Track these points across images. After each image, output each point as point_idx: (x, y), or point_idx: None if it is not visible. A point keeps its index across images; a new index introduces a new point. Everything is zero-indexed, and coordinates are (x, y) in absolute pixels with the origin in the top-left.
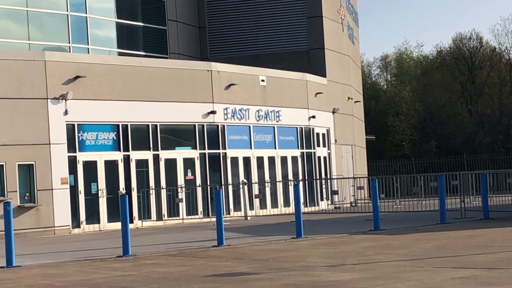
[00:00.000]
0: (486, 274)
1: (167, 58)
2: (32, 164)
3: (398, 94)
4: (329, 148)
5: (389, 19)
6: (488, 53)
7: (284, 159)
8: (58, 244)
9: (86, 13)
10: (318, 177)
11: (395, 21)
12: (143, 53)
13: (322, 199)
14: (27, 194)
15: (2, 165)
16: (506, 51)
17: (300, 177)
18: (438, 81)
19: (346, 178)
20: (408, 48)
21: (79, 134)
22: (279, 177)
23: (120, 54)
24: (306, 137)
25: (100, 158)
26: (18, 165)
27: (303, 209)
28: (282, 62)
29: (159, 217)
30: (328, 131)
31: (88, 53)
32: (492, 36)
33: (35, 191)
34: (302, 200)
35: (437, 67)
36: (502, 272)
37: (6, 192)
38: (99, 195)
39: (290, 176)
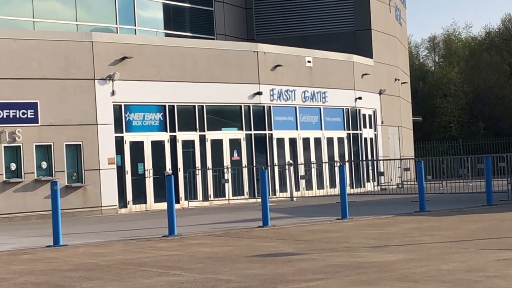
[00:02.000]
0: None
1: (213, 39)
2: (80, 144)
3: (446, 75)
4: (375, 130)
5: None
6: None
7: (330, 140)
8: (105, 224)
9: None
10: (364, 158)
11: (443, 2)
12: (190, 34)
13: (368, 181)
14: (75, 174)
15: (50, 145)
16: None
17: (346, 158)
18: (487, 63)
19: (393, 159)
20: (456, 29)
21: (126, 115)
22: (325, 158)
23: (166, 35)
24: (353, 118)
25: (147, 138)
26: (66, 145)
27: (348, 190)
28: (328, 43)
29: (205, 197)
30: (374, 112)
31: (135, 34)
32: None
33: (83, 171)
34: (348, 182)
35: (486, 48)
36: None
37: (54, 172)
38: (146, 176)
39: (336, 157)
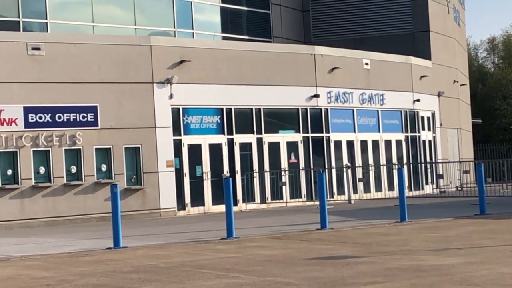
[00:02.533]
0: None
1: (270, 42)
2: (139, 147)
3: (505, 77)
4: (434, 132)
5: (496, 1)
6: None
7: (388, 143)
8: (164, 226)
9: None
10: (423, 161)
11: (502, 3)
12: (247, 37)
13: (427, 183)
14: (134, 176)
15: (110, 148)
16: None
17: (405, 161)
18: None
19: (452, 162)
20: None
21: (184, 118)
22: (383, 160)
23: (224, 38)
24: (411, 121)
25: (205, 141)
26: (125, 148)
27: (407, 193)
28: (386, 45)
29: (263, 200)
30: (433, 114)
31: (193, 37)
32: None
33: (141, 173)
34: (406, 184)
35: None
36: None
37: (113, 175)
38: (204, 178)
39: (394, 160)
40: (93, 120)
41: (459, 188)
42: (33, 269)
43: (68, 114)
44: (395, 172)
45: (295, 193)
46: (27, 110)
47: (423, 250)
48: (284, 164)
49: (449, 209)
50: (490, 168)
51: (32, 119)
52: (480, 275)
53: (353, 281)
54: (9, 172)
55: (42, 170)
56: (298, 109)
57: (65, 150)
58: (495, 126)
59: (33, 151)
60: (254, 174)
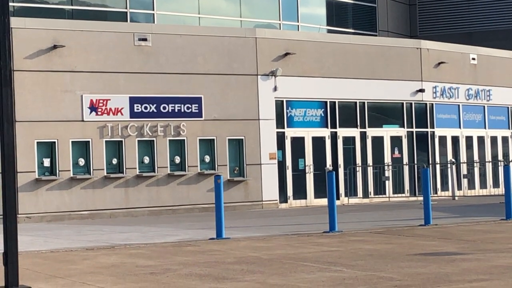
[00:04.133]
0: None
1: (375, 35)
2: (242, 139)
3: None
4: None
5: None
6: None
7: (494, 139)
8: (266, 218)
9: None
10: None
11: None
12: (352, 31)
13: None
14: (237, 168)
15: (213, 139)
16: None
17: (511, 158)
18: None
19: None
20: None
21: (288, 110)
22: (488, 157)
23: (329, 31)
24: None
25: (308, 134)
26: (228, 139)
27: None
28: (495, 40)
29: (365, 194)
30: None
31: (298, 30)
32: None
33: (244, 165)
34: None
35: None
36: None
37: (216, 166)
38: (306, 171)
39: (500, 157)
40: (197, 111)
41: None
42: (137, 257)
43: (173, 105)
44: (500, 169)
45: (398, 188)
46: (133, 100)
47: None
48: (387, 158)
49: None
50: None
51: (138, 109)
52: None
53: (458, 278)
54: (114, 161)
55: (146, 160)
56: (402, 103)
57: (169, 140)
58: None
59: (138, 140)
60: (357, 168)
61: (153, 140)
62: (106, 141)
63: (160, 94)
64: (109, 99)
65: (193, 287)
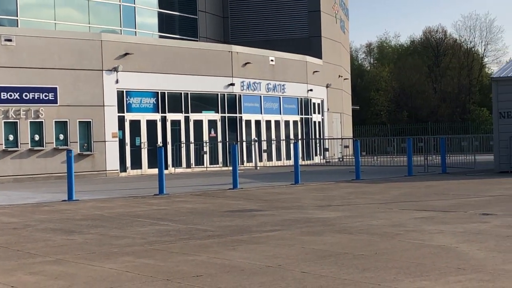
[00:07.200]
0: (441, 215)
1: (197, 41)
2: (90, 121)
3: (378, 74)
4: (322, 115)
5: (373, 14)
6: (451, 43)
7: (287, 123)
8: (109, 184)
9: (134, 4)
10: (313, 137)
11: (377, 16)
12: (179, 37)
13: (316, 155)
14: (85, 144)
15: (67, 121)
16: (464, 42)
17: (299, 137)
18: (411, 65)
19: (335, 138)
20: (387, 38)
21: (127, 99)
22: (283, 136)
23: (160, 36)
24: (305, 106)
25: (143, 118)
26: (79, 122)
27: (300, 162)
28: (287, 46)
29: (188, 165)
30: (322, 101)
31: (135, 35)
32: (454, 29)
33: (92, 142)
34: (300, 155)
35: (410, 53)
36: (453, 214)
37: (69, 142)
38: (142, 147)
39: (292, 136)
40: (53, 98)
41: (341, 159)
42: (2, 215)
43: (33, 93)
44: (291, 146)
45: (213, 160)
46: (0, 89)
47: (311, 206)
48: (205, 137)
49: (332, 175)
50: (364, 144)
51: (4, 96)
52: (355, 226)
53: (257, 229)
54: None
55: (11, 137)
56: (217, 94)
57: (30, 122)
58: (369, 112)
59: (4, 122)
60: (182, 144)
61: (17, 122)
62: None
63: (22, 85)
64: None
65: (48, 239)
